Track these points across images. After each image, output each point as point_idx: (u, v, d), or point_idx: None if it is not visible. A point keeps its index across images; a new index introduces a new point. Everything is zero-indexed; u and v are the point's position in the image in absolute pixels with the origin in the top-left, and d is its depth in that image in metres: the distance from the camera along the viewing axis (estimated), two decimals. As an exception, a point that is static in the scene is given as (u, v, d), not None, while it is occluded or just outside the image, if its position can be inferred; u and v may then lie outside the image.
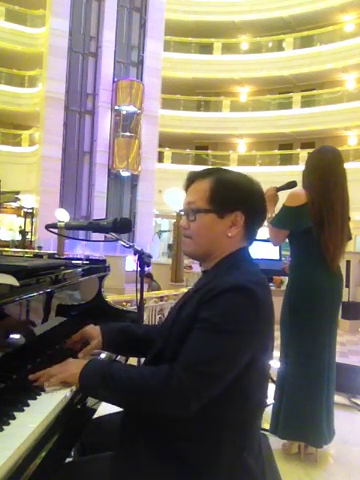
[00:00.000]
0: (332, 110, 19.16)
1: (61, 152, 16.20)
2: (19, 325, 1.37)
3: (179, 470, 1.13)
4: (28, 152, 18.34)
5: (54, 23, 16.03)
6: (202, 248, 1.26)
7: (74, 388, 1.24)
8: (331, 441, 2.58)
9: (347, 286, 7.28)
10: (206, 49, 21.65)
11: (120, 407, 1.24)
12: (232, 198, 1.23)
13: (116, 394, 1.16)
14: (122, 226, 1.69)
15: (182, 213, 1.32)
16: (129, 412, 1.25)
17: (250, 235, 1.27)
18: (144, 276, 1.83)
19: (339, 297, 2.63)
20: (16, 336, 1.33)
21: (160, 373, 1.12)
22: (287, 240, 2.65)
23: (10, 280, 1.26)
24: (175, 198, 9.62)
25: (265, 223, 1.38)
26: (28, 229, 17.57)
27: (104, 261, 2.17)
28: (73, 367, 1.24)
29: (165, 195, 10.90)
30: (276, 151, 21.42)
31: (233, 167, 18.93)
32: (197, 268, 10.60)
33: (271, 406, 2.60)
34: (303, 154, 18.52)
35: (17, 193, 17.23)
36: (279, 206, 2.63)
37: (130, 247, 1.75)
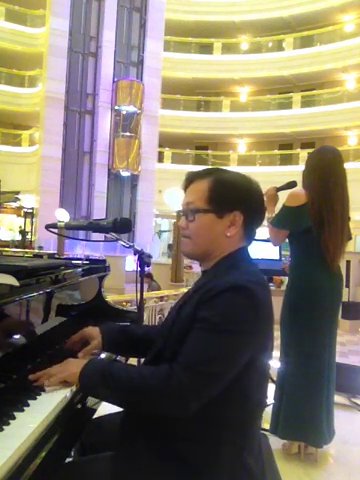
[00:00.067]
0: (332, 110, 19.16)
1: (61, 152, 16.20)
2: (19, 325, 1.37)
3: (179, 470, 1.13)
4: (28, 152, 18.34)
5: (54, 23, 16.04)
6: (201, 248, 1.26)
7: (74, 388, 1.24)
8: (331, 441, 2.58)
9: (347, 286, 7.28)
10: (206, 49, 21.65)
11: (120, 407, 1.24)
12: (231, 198, 1.23)
13: (116, 393, 1.16)
14: (122, 226, 1.69)
15: (181, 213, 1.32)
16: (129, 412, 1.25)
17: (249, 235, 1.27)
18: (144, 276, 1.83)
19: (339, 297, 2.63)
20: (16, 336, 1.33)
21: (160, 373, 1.12)
22: (287, 240, 2.66)
23: (10, 280, 1.26)
24: (175, 198, 9.63)
25: (265, 223, 1.38)
26: (28, 229, 17.57)
27: (104, 261, 2.17)
28: (73, 367, 1.24)
29: (165, 195, 10.91)
30: (276, 151, 21.42)
31: (233, 167, 18.94)
32: (197, 268, 10.60)
33: (271, 406, 2.60)
34: (303, 154, 18.52)
35: (17, 193, 17.23)
36: (279, 206, 2.63)
37: (130, 247, 1.75)
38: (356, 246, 14.84)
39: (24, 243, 16.09)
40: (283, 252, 3.63)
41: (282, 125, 20.14)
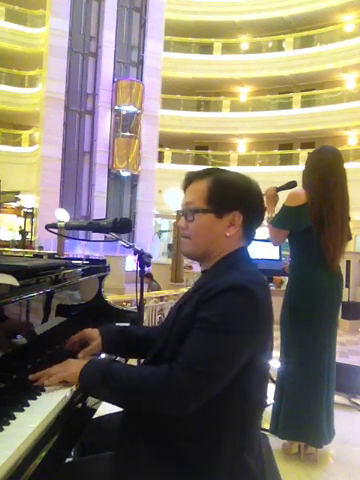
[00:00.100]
0: (332, 110, 19.16)
1: (61, 152, 16.21)
2: (19, 325, 1.37)
3: (179, 470, 1.13)
4: (28, 152, 18.34)
5: (54, 23, 16.04)
6: (200, 248, 1.26)
7: (74, 388, 1.24)
8: (331, 441, 2.58)
9: (347, 286, 7.28)
10: (206, 49, 21.65)
11: (120, 407, 1.24)
12: (230, 198, 1.23)
13: (116, 393, 1.17)
14: (122, 226, 1.69)
15: (181, 213, 1.32)
16: (129, 412, 1.25)
17: (248, 235, 1.27)
18: (144, 276, 1.83)
19: (339, 297, 2.63)
20: (16, 336, 1.33)
21: (159, 373, 1.12)
22: (287, 240, 2.66)
23: (10, 280, 1.26)
24: (175, 198, 9.62)
25: (265, 223, 1.38)
26: (28, 229, 17.57)
27: (104, 261, 2.17)
28: (73, 366, 1.24)
29: (165, 195, 10.91)
30: (276, 151, 21.42)
31: (233, 167, 18.94)
32: (197, 268, 10.60)
33: (271, 406, 2.60)
34: (303, 154, 18.52)
35: (17, 193, 17.23)
36: (279, 206, 2.63)
37: (130, 247, 1.75)
38: (356, 246, 14.84)
39: (24, 243, 16.09)
40: (283, 252, 3.63)
41: (282, 125, 20.14)
